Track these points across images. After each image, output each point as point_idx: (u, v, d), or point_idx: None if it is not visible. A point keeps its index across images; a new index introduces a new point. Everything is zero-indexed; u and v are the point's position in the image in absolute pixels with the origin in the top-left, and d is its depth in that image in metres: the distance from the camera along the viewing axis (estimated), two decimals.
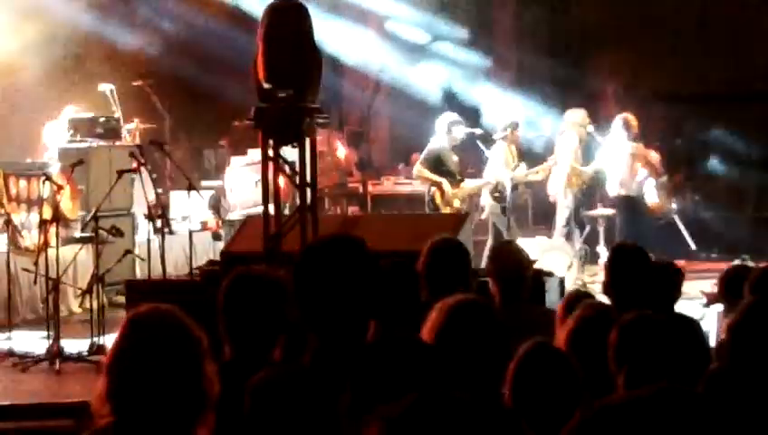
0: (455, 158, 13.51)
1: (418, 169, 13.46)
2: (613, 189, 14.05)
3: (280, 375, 3.38)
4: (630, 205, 13.96)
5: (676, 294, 6.13)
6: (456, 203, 13.22)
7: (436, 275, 5.46)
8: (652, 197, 14.33)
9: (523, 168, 13.66)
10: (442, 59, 17.84)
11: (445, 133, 13.38)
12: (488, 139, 14.04)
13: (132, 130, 14.48)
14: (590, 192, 14.55)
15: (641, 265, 5.86)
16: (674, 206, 15.23)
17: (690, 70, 17.55)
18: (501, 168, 13.49)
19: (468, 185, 13.45)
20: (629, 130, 13.96)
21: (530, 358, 3.78)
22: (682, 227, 15.44)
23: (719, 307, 7.97)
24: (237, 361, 4.00)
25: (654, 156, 14.28)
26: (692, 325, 5.98)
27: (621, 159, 13.89)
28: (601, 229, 14.22)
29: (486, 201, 13.64)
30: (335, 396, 3.20)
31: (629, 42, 17.82)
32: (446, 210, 13.08)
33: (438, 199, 13.24)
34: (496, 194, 13.50)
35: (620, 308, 5.48)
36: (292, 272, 3.49)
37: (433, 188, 13.30)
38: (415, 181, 15.47)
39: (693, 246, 14.74)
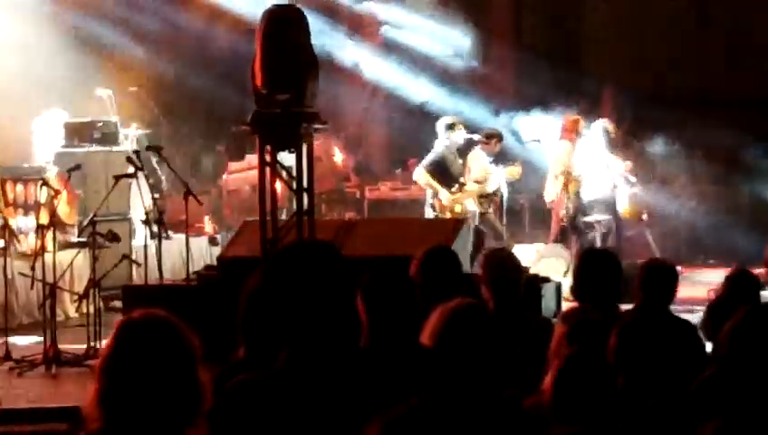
0: (459, 161, 13.49)
1: (419, 173, 13.41)
2: (589, 193, 14.08)
3: (249, 382, 3.37)
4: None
5: (670, 294, 6.15)
6: (458, 208, 13.19)
7: (430, 281, 5.48)
8: (623, 204, 14.37)
9: (494, 181, 13.64)
10: (440, 63, 17.84)
11: (444, 136, 13.35)
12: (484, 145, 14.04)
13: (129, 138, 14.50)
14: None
15: (610, 269, 5.89)
16: (644, 217, 15.23)
17: (689, 73, 17.56)
18: (482, 173, 13.50)
19: (472, 188, 13.42)
20: (608, 135, 14.00)
21: (573, 363, 3.79)
22: (650, 239, 15.44)
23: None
24: (249, 360, 3.99)
25: (627, 164, 14.32)
26: (688, 328, 6.00)
27: (599, 164, 13.96)
28: (598, 234, 14.23)
29: (472, 207, 13.60)
30: (306, 403, 3.20)
31: (628, 45, 17.84)
32: (447, 216, 13.07)
33: (437, 207, 13.23)
34: (480, 200, 13.49)
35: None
36: (260, 279, 3.46)
37: (432, 199, 13.29)
38: (412, 186, 15.48)
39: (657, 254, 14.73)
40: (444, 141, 13.35)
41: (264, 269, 3.38)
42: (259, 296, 3.95)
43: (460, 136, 13.50)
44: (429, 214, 13.33)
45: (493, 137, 13.85)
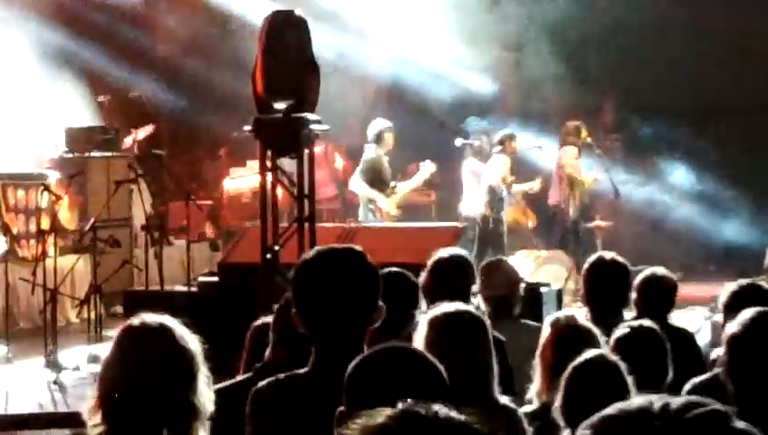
0: (386, 164, 13.18)
1: (356, 183, 13.04)
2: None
3: (281, 383, 3.40)
4: None
5: (669, 303, 6.15)
6: (393, 211, 12.96)
7: (440, 288, 5.47)
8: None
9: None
10: (442, 71, 17.84)
11: (375, 142, 13.01)
12: (483, 150, 14.03)
13: (131, 145, 14.52)
14: (588, 204, 14.59)
15: (620, 275, 5.89)
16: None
17: (690, 84, 17.55)
18: (497, 180, 13.43)
19: (403, 188, 13.24)
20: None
21: (586, 369, 3.79)
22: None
23: (715, 318, 7.98)
24: (281, 361, 4.01)
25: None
26: (686, 337, 6.01)
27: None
28: (599, 240, 14.24)
29: (480, 213, 13.54)
30: (336, 405, 3.23)
31: (630, 55, 17.83)
32: (393, 212, 12.88)
33: (378, 214, 12.98)
34: (491, 204, 13.46)
35: (598, 318, 5.51)
36: (291, 281, 3.49)
37: (371, 205, 13.06)
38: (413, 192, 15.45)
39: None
40: (375, 146, 12.96)
41: (295, 273, 3.43)
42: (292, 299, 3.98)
43: (390, 138, 13.18)
44: (368, 217, 13.06)
45: (504, 140, 13.72)
